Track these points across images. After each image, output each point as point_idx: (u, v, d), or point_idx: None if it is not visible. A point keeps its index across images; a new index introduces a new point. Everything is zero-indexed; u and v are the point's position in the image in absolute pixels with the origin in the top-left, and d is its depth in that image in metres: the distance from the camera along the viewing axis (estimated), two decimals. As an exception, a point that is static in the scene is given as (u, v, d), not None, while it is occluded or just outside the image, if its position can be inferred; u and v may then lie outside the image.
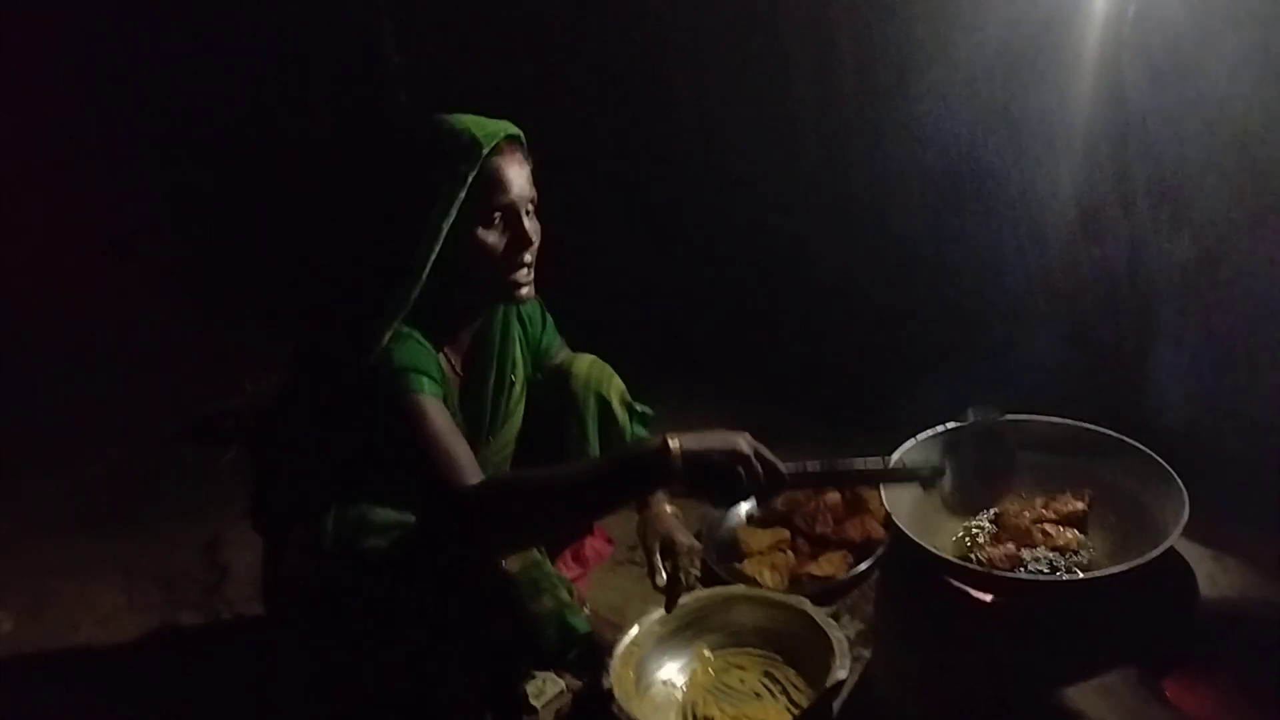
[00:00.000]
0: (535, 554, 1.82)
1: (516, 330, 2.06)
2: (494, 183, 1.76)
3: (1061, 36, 2.29)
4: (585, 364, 2.12)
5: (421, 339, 1.76)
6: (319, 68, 3.89)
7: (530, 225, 1.82)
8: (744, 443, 1.58)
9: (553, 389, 2.11)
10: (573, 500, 1.63)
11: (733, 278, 3.32)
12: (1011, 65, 2.47)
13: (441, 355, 1.86)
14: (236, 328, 3.68)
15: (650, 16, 3.29)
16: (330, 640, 1.78)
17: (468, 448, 1.69)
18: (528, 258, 1.83)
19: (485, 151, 1.74)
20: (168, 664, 2.28)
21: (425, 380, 1.71)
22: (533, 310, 2.13)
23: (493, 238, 1.78)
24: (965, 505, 1.79)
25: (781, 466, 1.60)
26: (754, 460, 1.57)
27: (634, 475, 1.60)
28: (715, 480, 1.57)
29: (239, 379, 3.24)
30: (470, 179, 1.73)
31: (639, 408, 2.16)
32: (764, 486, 1.59)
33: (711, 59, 3.19)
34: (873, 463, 1.74)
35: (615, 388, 2.12)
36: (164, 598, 2.47)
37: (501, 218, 1.79)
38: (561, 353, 2.19)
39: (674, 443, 1.55)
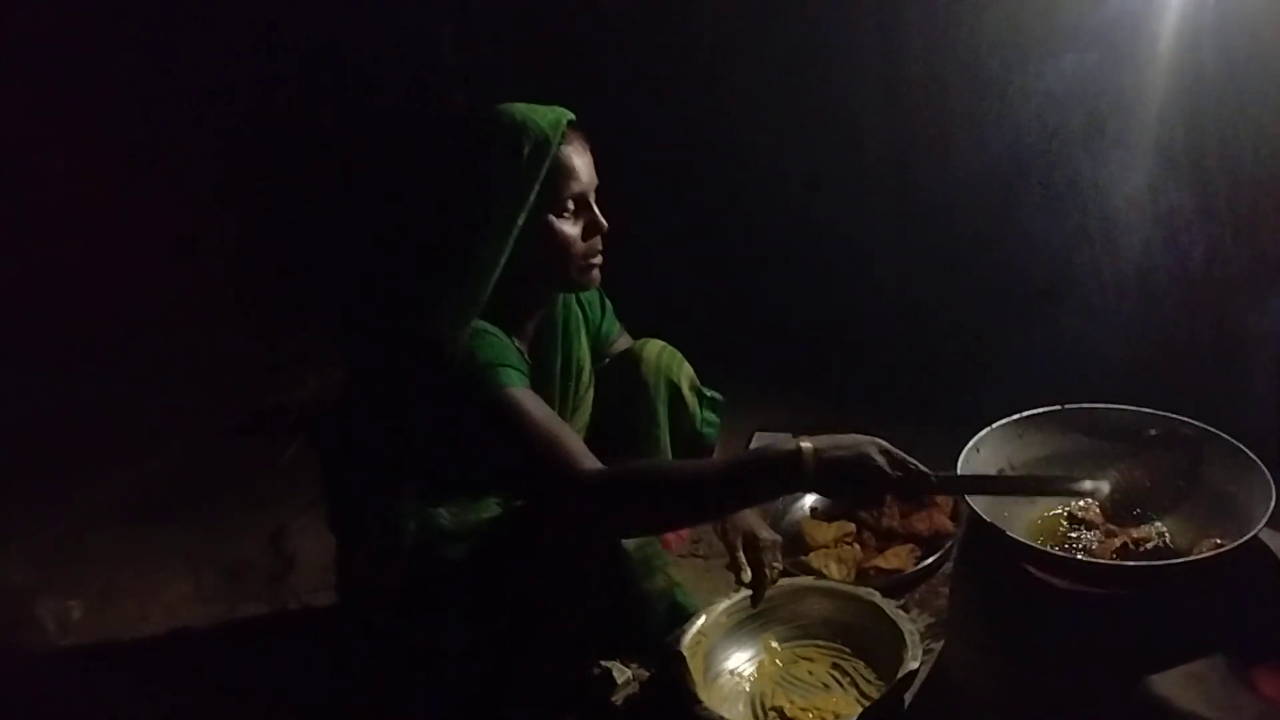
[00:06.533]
0: None
1: (579, 317, 2.04)
2: (564, 172, 1.75)
3: (1138, 32, 2.26)
4: (655, 349, 2.08)
5: (497, 332, 1.74)
6: (378, 72, 3.92)
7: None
8: (872, 445, 1.56)
9: (620, 375, 2.07)
10: (700, 498, 1.61)
11: (791, 272, 3.30)
12: (1084, 62, 2.43)
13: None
14: (301, 323, 3.70)
15: (711, 18, 3.28)
16: (418, 638, 1.78)
17: (574, 433, 1.67)
18: (600, 244, 1.83)
19: (557, 142, 1.73)
20: (234, 652, 2.29)
21: (514, 373, 1.68)
22: (591, 296, 2.10)
23: (568, 227, 1.78)
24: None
25: (922, 467, 1.57)
26: (881, 461, 1.55)
27: (766, 477, 1.57)
28: (848, 483, 1.55)
29: (302, 374, 3.25)
30: (544, 171, 1.72)
31: (709, 393, 2.14)
32: (899, 488, 1.57)
33: (772, 56, 3.17)
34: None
35: (685, 373, 2.09)
36: (230, 587, 2.48)
37: (574, 207, 1.79)
38: (622, 338, 2.17)
39: (807, 445, 1.54)
